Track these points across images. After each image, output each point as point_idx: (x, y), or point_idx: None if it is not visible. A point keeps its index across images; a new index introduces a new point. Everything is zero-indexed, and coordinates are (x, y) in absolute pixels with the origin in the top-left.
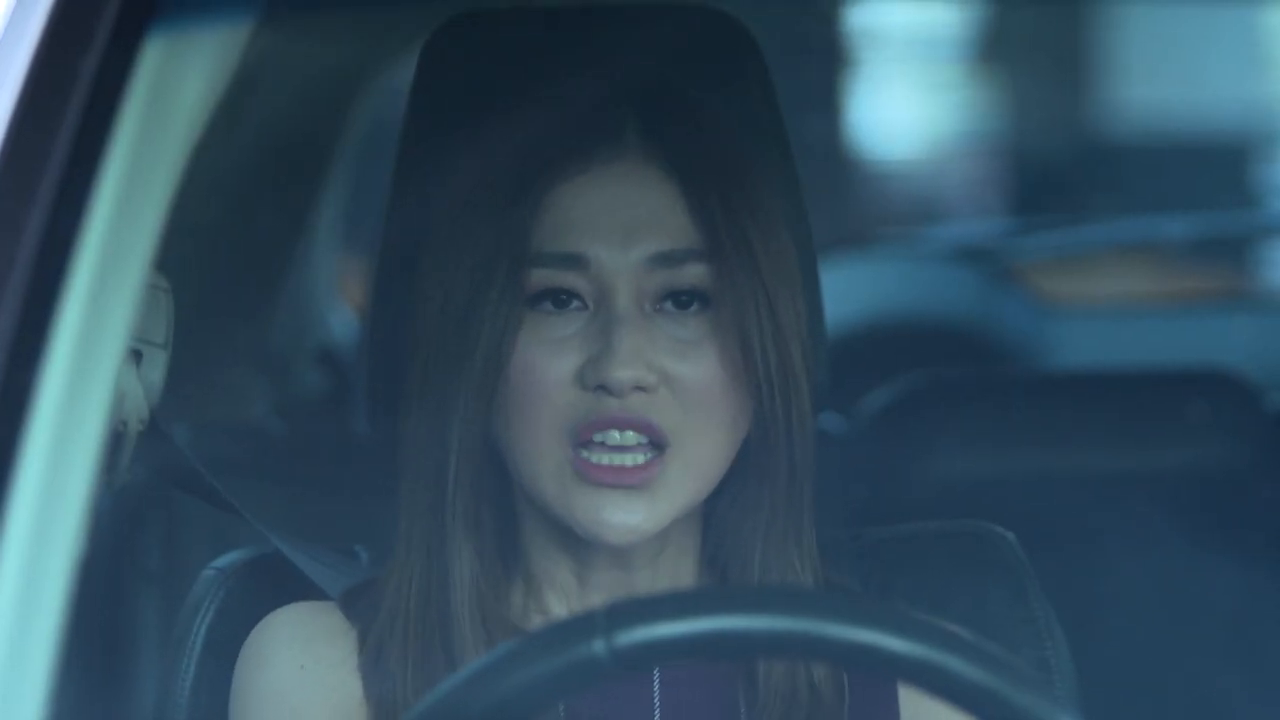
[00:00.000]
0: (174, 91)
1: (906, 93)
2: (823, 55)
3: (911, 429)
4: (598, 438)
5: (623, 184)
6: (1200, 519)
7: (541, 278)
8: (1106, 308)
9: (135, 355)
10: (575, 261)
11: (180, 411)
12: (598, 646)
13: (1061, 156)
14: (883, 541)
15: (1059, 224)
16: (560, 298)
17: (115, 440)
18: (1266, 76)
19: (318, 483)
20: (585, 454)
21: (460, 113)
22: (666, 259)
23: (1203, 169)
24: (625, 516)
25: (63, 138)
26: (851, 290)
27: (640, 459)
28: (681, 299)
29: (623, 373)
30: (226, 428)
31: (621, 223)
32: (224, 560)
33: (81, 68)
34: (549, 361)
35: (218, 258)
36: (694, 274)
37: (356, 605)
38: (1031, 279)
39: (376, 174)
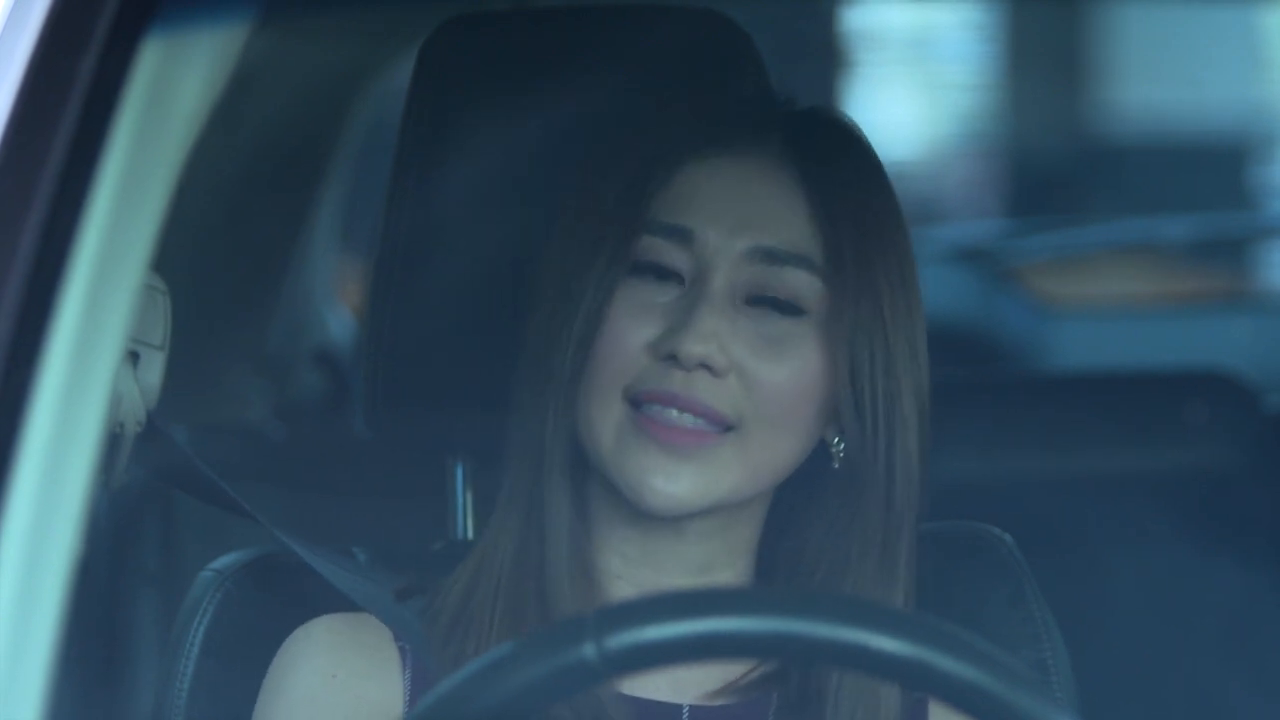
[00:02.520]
0: (173, 92)
1: (906, 93)
2: (823, 55)
3: None
4: (657, 408)
5: (750, 177)
6: (1200, 519)
7: (648, 245)
8: (1106, 308)
9: (132, 357)
10: (682, 235)
11: (177, 413)
12: (588, 650)
13: (1061, 157)
14: None
15: (1059, 224)
16: (662, 270)
17: (112, 442)
18: (1266, 77)
19: (315, 484)
20: (645, 413)
21: (458, 113)
22: (769, 255)
23: (1202, 169)
24: (670, 484)
25: (61, 139)
26: None
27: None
28: (781, 304)
29: (695, 347)
30: (224, 429)
31: (735, 210)
32: (222, 561)
33: (80, 68)
34: (631, 325)
35: (216, 258)
36: (796, 280)
37: (414, 600)
38: (1031, 279)
39: (376, 174)
